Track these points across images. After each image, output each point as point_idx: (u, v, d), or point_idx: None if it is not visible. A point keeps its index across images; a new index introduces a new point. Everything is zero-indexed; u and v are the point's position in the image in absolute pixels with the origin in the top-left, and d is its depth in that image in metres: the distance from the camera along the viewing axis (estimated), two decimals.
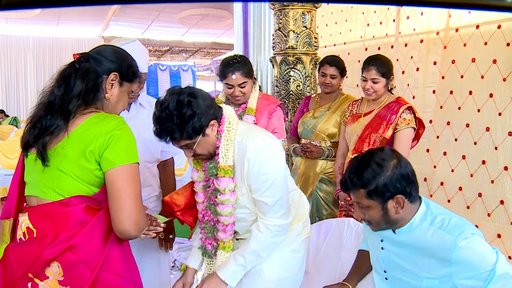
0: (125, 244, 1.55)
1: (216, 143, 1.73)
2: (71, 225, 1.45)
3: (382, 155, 1.62)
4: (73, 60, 1.55)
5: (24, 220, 1.50)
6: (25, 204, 1.58)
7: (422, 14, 3.75)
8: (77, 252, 1.43)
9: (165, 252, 2.35)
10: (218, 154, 1.73)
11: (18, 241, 1.50)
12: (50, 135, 1.46)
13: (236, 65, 2.39)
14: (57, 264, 1.43)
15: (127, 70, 1.61)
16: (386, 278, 1.78)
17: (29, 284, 1.44)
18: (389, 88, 2.74)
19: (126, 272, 1.54)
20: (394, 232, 1.69)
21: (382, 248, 1.76)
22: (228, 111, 1.79)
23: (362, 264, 1.96)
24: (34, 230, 1.47)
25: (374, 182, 1.58)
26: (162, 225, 1.74)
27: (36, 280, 1.43)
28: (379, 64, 2.63)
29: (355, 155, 1.74)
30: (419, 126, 2.69)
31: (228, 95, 2.48)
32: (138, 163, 1.50)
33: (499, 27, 3.13)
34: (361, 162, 1.64)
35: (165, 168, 2.39)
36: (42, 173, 1.48)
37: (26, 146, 1.53)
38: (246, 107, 2.49)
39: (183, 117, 1.60)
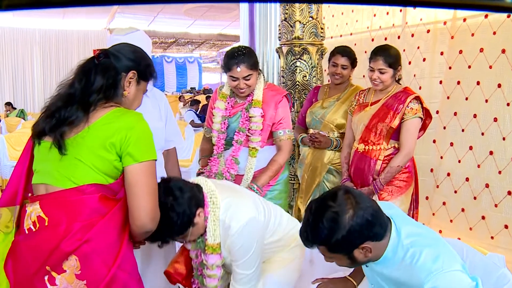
0: (130, 240, 1.58)
1: (204, 227, 1.81)
2: (85, 214, 1.46)
3: (335, 207, 1.49)
4: (92, 56, 1.60)
5: (34, 209, 1.49)
6: (29, 194, 1.58)
7: (423, 7, 3.71)
8: (94, 245, 1.45)
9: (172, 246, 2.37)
10: (206, 232, 1.82)
11: (27, 231, 1.50)
12: (69, 125, 1.49)
13: (241, 57, 2.34)
14: (74, 258, 1.43)
15: (145, 69, 1.66)
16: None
17: (46, 278, 1.44)
18: (397, 79, 2.72)
19: (136, 269, 1.58)
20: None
21: (366, 266, 1.74)
22: (208, 187, 1.84)
23: None
24: (46, 219, 1.47)
25: (333, 238, 1.48)
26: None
27: (53, 274, 1.43)
28: (386, 55, 2.61)
29: (309, 202, 1.65)
30: (426, 116, 2.67)
31: (233, 88, 2.46)
32: (156, 159, 1.55)
33: (508, 16, 3.10)
34: (315, 218, 1.52)
35: (169, 158, 2.41)
36: (59, 161, 1.49)
37: (40, 134, 1.55)
38: (252, 100, 2.46)
39: (171, 221, 1.67)
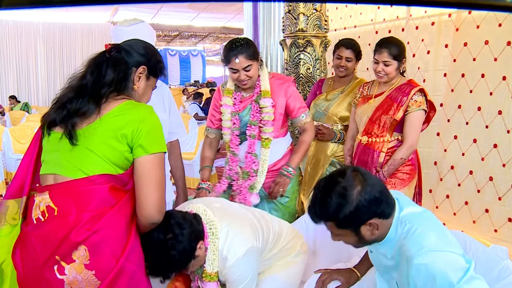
0: (137, 231, 1.60)
1: (205, 255, 1.81)
2: (94, 204, 1.48)
3: (343, 183, 1.51)
4: (104, 49, 1.63)
5: (43, 199, 1.50)
6: (37, 185, 1.58)
7: (423, 6, 3.69)
8: (104, 236, 1.46)
9: None
10: (205, 261, 1.82)
11: (35, 221, 1.51)
12: (81, 117, 1.52)
13: (239, 48, 2.31)
14: (84, 248, 1.44)
15: (155, 65, 1.69)
16: (381, 276, 1.77)
17: (55, 267, 1.45)
18: (401, 71, 2.71)
19: (143, 261, 1.59)
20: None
21: (371, 251, 1.75)
22: (207, 217, 1.84)
23: None
24: (55, 208, 1.48)
25: (340, 214, 1.50)
26: None
27: (63, 263, 1.45)
28: (391, 47, 2.60)
29: (317, 181, 1.65)
30: (430, 109, 2.66)
31: (235, 81, 2.43)
32: (165, 152, 1.58)
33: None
34: (323, 194, 1.54)
35: (173, 151, 2.41)
36: (70, 152, 1.51)
37: (50, 124, 1.57)
38: (261, 91, 2.44)
39: (172, 258, 1.67)
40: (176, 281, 1.95)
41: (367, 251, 1.95)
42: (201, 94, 10.73)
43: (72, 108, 1.53)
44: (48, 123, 1.58)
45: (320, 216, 1.56)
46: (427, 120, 2.70)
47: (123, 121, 1.51)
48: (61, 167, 1.52)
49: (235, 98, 2.50)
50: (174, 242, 1.66)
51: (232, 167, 2.52)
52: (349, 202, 1.48)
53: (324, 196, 1.53)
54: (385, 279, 1.74)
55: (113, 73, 1.58)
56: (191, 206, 1.90)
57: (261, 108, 2.43)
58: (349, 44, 3.00)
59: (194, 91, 12.60)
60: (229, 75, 2.49)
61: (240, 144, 2.50)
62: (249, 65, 2.33)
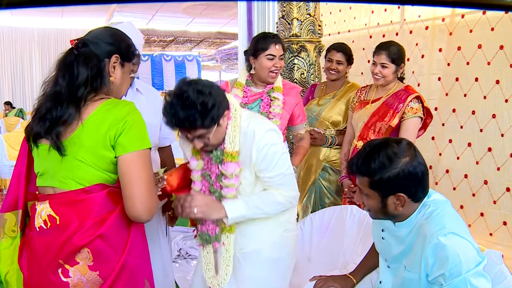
0: (141, 225, 1.57)
1: (225, 132, 1.77)
2: (95, 211, 1.46)
3: (396, 149, 1.53)
4: (71, 47, 1.53)
5: (44, 208, 1.49)
6: (37, 192, 1.57)
7: (423, 5, 3.70)
8: (107, 239, 1.45)
9: (166, 236, 2.39)
10: (225, 140, 1.77)
11: (38, 229, 1.49)
12: (64, 125, 1.45)
13: (277, 38, 2.50)
14: (87, 250, 1.43)
15: (127, 50, 1.61)
16: (388, 267, 1.76)
17: (60, 270, 1.44)
18: (399, 76, 2.71)
19: (143, 253, 1.57)
20: (394, 224, 1.66)
21: (382, 238, 1.74)
22: (231, 99, 1.82)
23: (370, 257, 1.93)
24: (57, 218, 1.46)
25: (379, 174, 1.51)
26: (162, 175, 1.82)
27: (67, 266, 1.44)
28: (390, 50, 2.62)
29: (370, 139, 1.66)
30: (427, 115, 2.66)
31: (267, 69, 2.46)
32: (150, 148, 1.51)
33: (506, 12, 3.09)
34: (373, 150, 1.55)
35: (164, 150, 2.41)
36: (60, 163, 1.48)
37: (35, 137, 1.52)
38: (274, 87, 2.51)
39: (206, 106, 1.62)
40: (169, 175, 1.90)
41: (365, 256, 1.95)
42: None
43: (53, 118, 1.47)
44: (33, 136, 1.53)
45: (358, 168, 1.57)
46: (424, 127, 2.70)
47: (104, 124, 1.45)
48: (56, 180, 1.50)
49: (245, 92, 2.56)
50: (212, 91, 1.65)
51: None
52: (393, 167, 1.50)
53: (372, 152, 1.55)
54: (392, 269, 1.73)
55: (86, 70, 1.49)
56: None
57: (271, 100, 2.50)
58: (340, 47, 3.02)
59: None
60: (241, 73, 2.58)
61: None
62: (283, 55, 2.48)
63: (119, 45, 1.58)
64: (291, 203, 1.86)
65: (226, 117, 1.74)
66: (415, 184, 1.53)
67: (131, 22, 2.20)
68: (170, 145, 2.44)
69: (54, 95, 1.50)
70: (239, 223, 1.85)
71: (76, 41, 1.53)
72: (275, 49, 2.45)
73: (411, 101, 2.59)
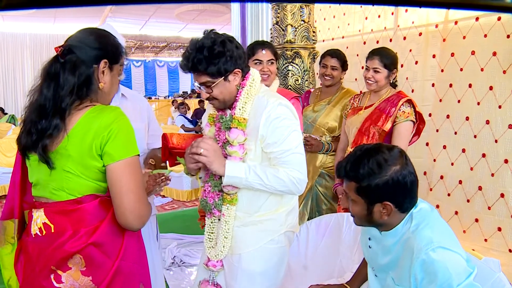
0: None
1: (234, 94, 1.78)
2: (88, 220, 1.45)
3: (387, 156, 1.49)
4: (55, 55, 1.47)
5: (39, 216, 1.48)
6: (34, 200, 1.56)
7: (420, 7, 3.72)
8: (99, 246, 1.44)
9: (158, 242, 2.39)
10: (235, 106, 1.77)
11: (34, 236, 1.48)
12: (49, 138, 1.42)
13: (267, 44, 2.59)
14: (79, 256, 1.42)
15: (114, 52, 1.55)
16: (375, 275, 1.73)
17: (52, 276, 1.43)
18: (392, 82, 2.72)
19: (139, 257, 1.56)
20: (380, 233, 1.62)
21: (369, 247, 1.71)
22: (254, 73, 1.83)
23: (365, 265, 1.88)
24: (52, 226, 1.46)
25: (367, 180, 1.47)
26: (167, 175, 1.86)
27: (59, 272, 1.43)
28: (383, 55, 2.64)
29: (363, 143, 1.64)
30: (420, 121, 2.66)
31: None
32: (138, 154, 1.48)
33: (499, 19, 3.11)
34: (363, 154, 1.51)
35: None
36: (49, 175, 1.46)
37: (24, 150, 1.50)
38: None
39: (212, 52, 1.66)
40: (177, 135, 1.91)
41: (360, 264, 1.93)
42: (184, 103, 10.75)
43: (38, 131, 1.43)
44: (22, 148, 1.51)
45: (346, 172, 1.54)
46: (417, 133, 2.71)
47: (89, 134, 1.41)
48: (47, 192, 1.49)
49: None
50: (227, 42, 1.68)
51: None
52: (382, 174, 1.46)
53: (362, 156, 1.51)
54: (379, 279, 1.70)
55: (73, 78, 1.43)
56: None
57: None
58: (335, 53, 3.04)
59: (181, 102, 12.59)
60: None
61: None
62: (272, 59, 2.54)
63: (106, 49, 1.51)
64: (295, 185, 1.76)
65: (237, 77, 1.75)
66: (403, 194, 1.49)
67: (110, 24, 2.18)
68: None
69: (38, 108, 1.46)
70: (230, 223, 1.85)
71: (61, 47, 1.46)
72: (262, 54, 2.51)
73: (402, 104, 2.60)
